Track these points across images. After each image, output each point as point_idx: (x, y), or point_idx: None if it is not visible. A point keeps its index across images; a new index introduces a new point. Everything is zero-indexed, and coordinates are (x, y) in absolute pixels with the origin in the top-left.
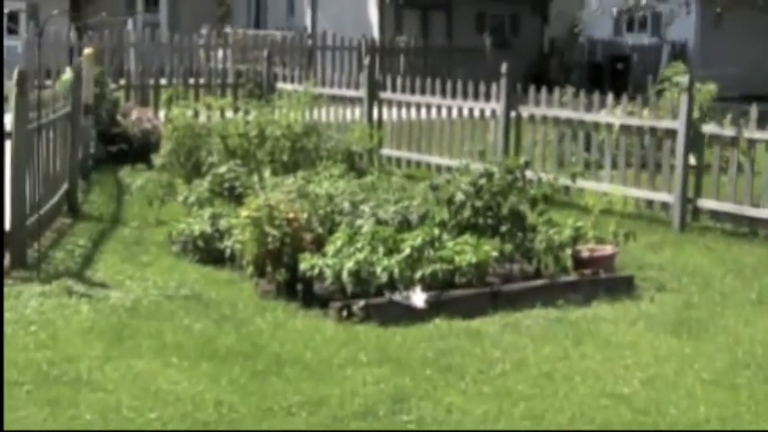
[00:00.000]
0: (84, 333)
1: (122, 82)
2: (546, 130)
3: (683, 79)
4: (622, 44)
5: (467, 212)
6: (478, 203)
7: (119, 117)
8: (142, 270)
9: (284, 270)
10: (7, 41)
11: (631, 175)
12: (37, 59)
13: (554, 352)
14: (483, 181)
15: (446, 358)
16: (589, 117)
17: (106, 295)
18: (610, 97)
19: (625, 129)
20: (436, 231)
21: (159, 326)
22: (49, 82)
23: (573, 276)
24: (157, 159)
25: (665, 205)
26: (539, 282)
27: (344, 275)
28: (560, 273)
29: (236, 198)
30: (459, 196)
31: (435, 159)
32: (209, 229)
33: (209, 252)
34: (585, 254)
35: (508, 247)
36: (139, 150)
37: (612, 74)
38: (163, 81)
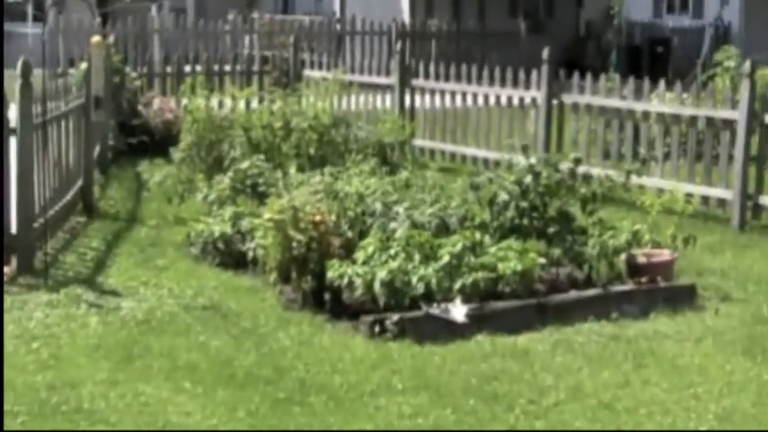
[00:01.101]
0: (91, 351)
1: (144, 70)
2: (591, 119)
3: (734, 64)
4: (662, 26)
5: (510, 213)
6: (524, 204)
7: (140, 107)
8: (158, 275)
9: (310, 278)
10: (34, 30)
11: (684, 168)
12: (59, 48)
13: (613, 377)
14: (529, 179)
15: (492, 385)
16: (639, 106)
17: (117, 305)
18: (662, 84)
19: (676, 118)
20: (477, 236)
21: (172, 342)
22: (72, 71)
23: (628, 285)
24: (176, 153)
25: (722, 202)
26: (591, 292)
27: (377, 286)
28: (614, 281)
29: (260, 196)
30: (503, 196)
31: (471, 151)
32: (229, 230)
33: (230, 254)
34: (641, 260)
35: (556, 251)
36: (161, 142)
37: (651, 58)
38: (187, 69)
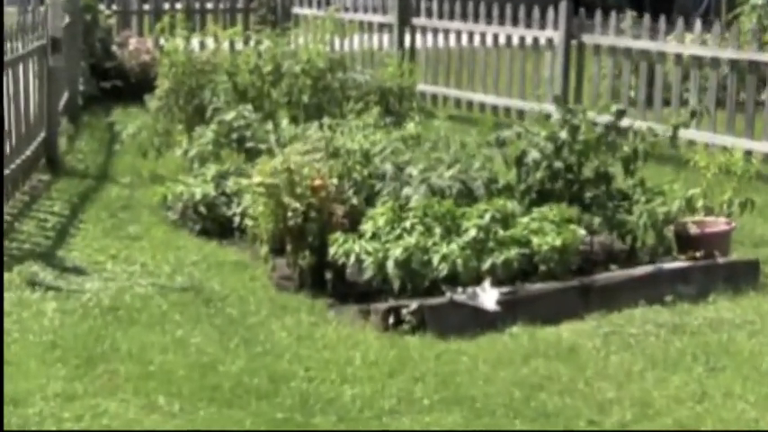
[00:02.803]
0: (45, 351)
1: (119, 6)
2: (615, 63)
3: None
4: None
5: (539, 175)
6: (558, 164)
7: (114, 48)
8: (129, 247)
9: (308, 253)
10: None
11: (722, 119)
12: None
13: (685, 385)
14: (565, 135)
15: (539, 398)
16: (671, 48)
17: (80, 287)
18: (698, 25)
19: (716, 62)
20: (509, 205)
21: (144, 338)
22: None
23: (682, 261)
24: (152, 102)
25: (767, 157)
26: (641, 270)
27: (390, 267)
28: (662, 255)
29: (247, 152)
30: (533, 155)
31: (478, 97)
32: (213, 192)
33: (214, 220)
34: (694, 230)
35: (595, 220)
36: (137, 87)
37: None
38: (165, 5)
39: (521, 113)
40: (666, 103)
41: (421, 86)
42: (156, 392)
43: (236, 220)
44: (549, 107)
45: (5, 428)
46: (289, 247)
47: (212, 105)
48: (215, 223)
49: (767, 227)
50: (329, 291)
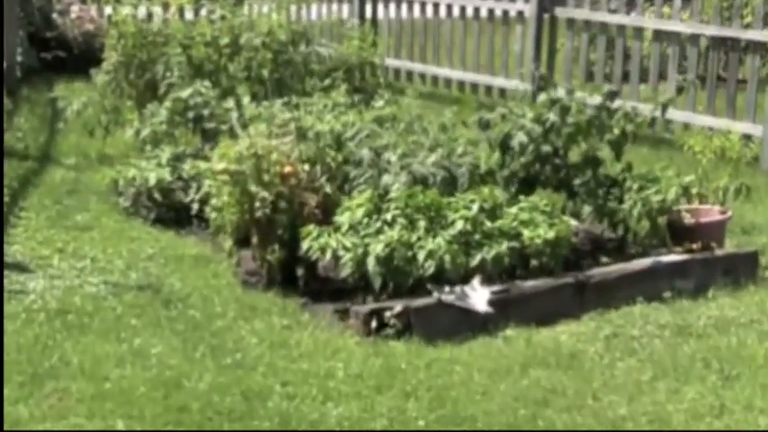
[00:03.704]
0: None
1: None
2: (590, 38)
3: None
4: None
5: (524, 159)
6: (546, 148)
7: (54, 16)
8: (78, 238)
9: (278, 247)
10: None
11: (702, 99)
12: None
13: (701, 397)
14: (553, 116)
15: (545, 415)
16: (649, 23)
17: (23, 286)
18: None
19: (695, 39)
20: (498, 193)
21: (98, 349)
22: None
23: (678, 254)
24: (99, 76)
25: (748, 138)
26: (637, 265)
27: (371, 264)
28: (656, 246)
29: (205, 133)
30: (520, 138)
31: (444, 72)
32: (168, 177)
33: (170, 207)
34: (689, 220)
35: (586, 208)
36: (81, 58)
37: None
38: None
39: (488, 89)
40: (642, 80)
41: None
42: (114, 415)
43: (195, 207)
44: (519, 84)
45: (5, 428)
46: (256, 240)
47: (166, 81)
48: (171, 210)
49: (756, 212)
50: (301, 288)
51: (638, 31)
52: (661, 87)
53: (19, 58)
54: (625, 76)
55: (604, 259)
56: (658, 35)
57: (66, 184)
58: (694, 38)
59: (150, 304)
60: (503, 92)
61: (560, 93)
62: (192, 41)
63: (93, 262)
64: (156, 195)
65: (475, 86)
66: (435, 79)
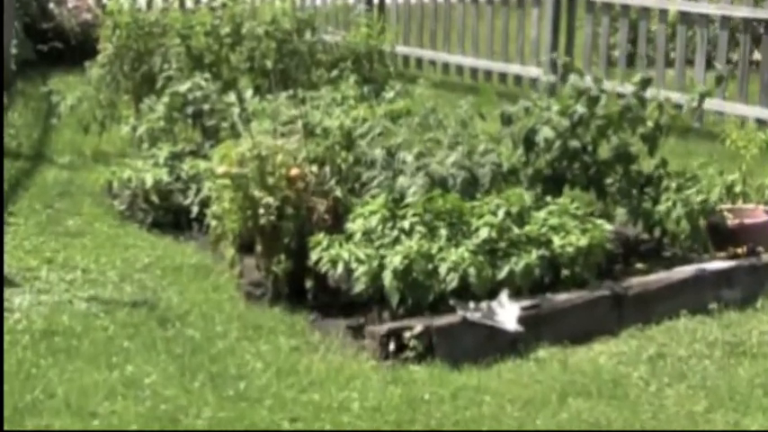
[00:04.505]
0: None
1: None
2: (610, 22)
3: None
4: None
5: (549, 156)
6: (575, 144)
7: (51, 6)
8: (68, 246)
9: (284, 257)
10: None
11: (734, 85)
12: None
13: None
14: (582, 109)
15: None
16: (675, 5)
17: (8, 302)
18: None
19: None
20: (526, 197)
21: (87, 377)
22: None
23: (723, 260)
24: (93, 69)
25: None
26: (680, 273)
27: (387, 279)
28: (697, 251)
29: (206, 130)
30: (546, 132)
31: (456, 59)
32: (166, 178)
33: (168, 210)
34: (732, 221)
35: (619, 210)
36: (79, 49)
37: None
38: None
39: (503, 77)
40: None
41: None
42: None
43: (195, 209)
44: (536, 71)
45: (5, 428)
46: (260, 249)
47: (163, 74)
48: (169, 213)
49: None
50: (310, 301)
51: (663, 14)
52: (689, 74)
53: (14, 51)
54: (649, 62)
55: (639, 265)
56: (685, 17)
57: (58, 185)
58: (725, 20)
59: (145, 323)
60: (518, 79)
61: (587, 82)
62: (192, 31)
63: (83, 273)
64: (154, 198)
65: (488, 74)
66: (446, 67)
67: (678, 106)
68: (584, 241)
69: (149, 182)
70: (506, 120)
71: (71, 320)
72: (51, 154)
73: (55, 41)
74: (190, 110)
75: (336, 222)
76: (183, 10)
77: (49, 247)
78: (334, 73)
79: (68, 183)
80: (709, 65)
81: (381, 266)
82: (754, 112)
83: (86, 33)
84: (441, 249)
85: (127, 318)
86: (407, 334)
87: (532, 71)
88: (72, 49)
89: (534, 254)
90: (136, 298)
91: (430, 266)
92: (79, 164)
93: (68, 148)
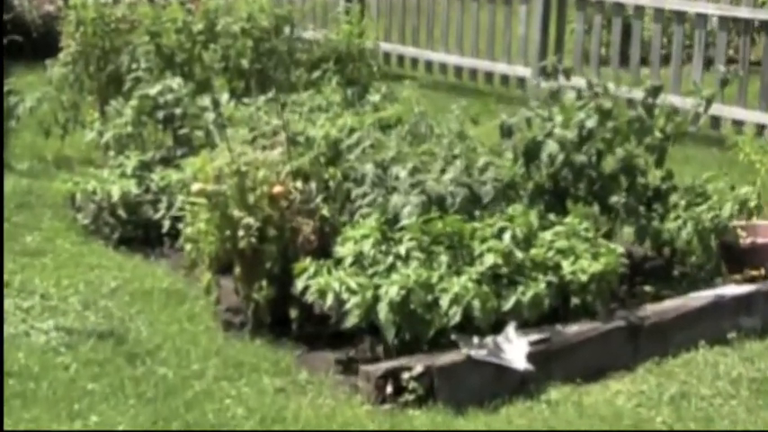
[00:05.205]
0: None
1: None
2: (603, 20)
3: None
4: None
5: (552, 169)
6: (581, 158)
7: None
8: (27, 267)
9: (266, 283)
10: None
11: (732, 87)
12: None
13: None
14: (592, 123)
15: None
16: (672, 4)
17: None
18: None
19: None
20: (533, 218)
21: (45, 428)
22: None
23: (739, 284)
24: (55, 68)
25: None
26: (696, 301)
27: (383, 312)
28: (710, 273)
29: (177, 137)
30: (551, 147)
31: (440, 56)
32: (134, 189)
33: (137, 225)
34: (746, 240)
35: (626, 229)
36: (41, 42)
37: None
38: None
39: (489, 76)
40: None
41: (371, 44)
42: None
43: (166, 224)
44: (523, 71)
45: (5, 428)
46: (239, 274)
47: (132, 74)
48: (138, 228)
49: None
50: (294, 332)
51: (659, 13)
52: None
53: None
54: (643, 63)
55: (647, 288)
56: (681, 17)
57: (16, 195)
58: (724, 21)
59: (111, 360)
60: (505, 79)
61: (595, 88)
62: (162, 28)
63: (43, 299)
64: (121, 212)
65: (473, 73)
66: (429, 65)
67: (676, 110)
68: (596, 267)
69: (116, 194)
70: (506, 131)
71: (28, 359)
72: (9, 159)
73: (15, 34)
74: (160, 114)
75: (323, 244)
76: (152, 4)
77: (5, 268)
78: (316, 74)
79: (27, 192)
80: (707, 66)
81: (376, 298)
82: (754, 116)
83: (49, 26)
84: (441, 278)
85: (91, 354)
86: (406, 375)
87: (519, 70)
88: (34, 43)
89: (542, 281)
90: (101, 329)
91: (430, 298)
92: (40, 170)
93: (28, 153)
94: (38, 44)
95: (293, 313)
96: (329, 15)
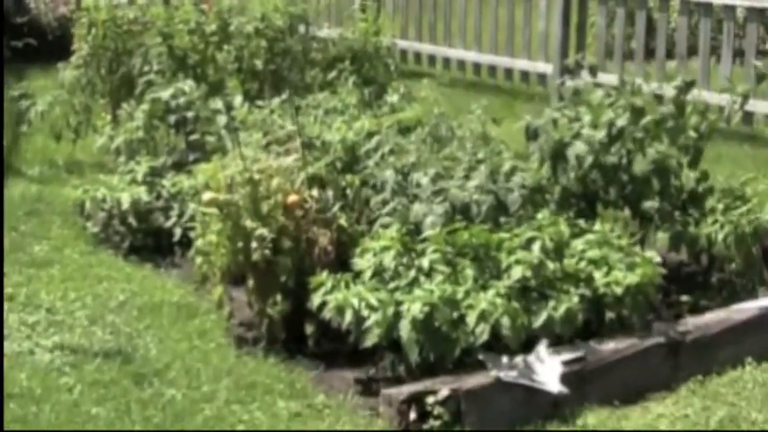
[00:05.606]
0: None
1: None
2: (625, 14)
3: None
4: None
5: (581, 172)
6: (612, 160)
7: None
8: (34, 279)
9: (281, 298)
10: None
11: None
12: None
13: None
14: (622, 122)
15: None
16: None
17: None
18: None
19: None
20: (563, 227)
21: None
22: None
23: None
24: (67, 72)
25: None
26: (741, 313)
27: (405, 330)
28: (752, 281)
29: (190, 143)
30: (578, 148)
31: (458, 53)
32: (145, 197)
33: (148, 233)
34: None
35: (661, 236)
36: (56, 45)
37: None
38: None
39: (509, 73)
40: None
41: (387, 41)
42: None
43: (177, 232)
44: (544, 67)
45: (5, 428)
46: (253, 287)
47: (144, 77)
48: (149, 236)
49: None
50: (311, 348)
51: (684, 5)
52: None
53: None
54: (668, 56)
55: (684, 297)
56: (708, 9)
57: (26, 202)
58: (752, 12)
59: (117, 381)
60: (525, 75)
61: (625, 87)
62: (174, 29)
63: (48, 314)
64: (131, 220)
65: (493, 69)
66: (447, 62)
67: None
68: (631, 279)
69: (126, 202)
70: (532, 134)
71: (30, 380)
72: (20, 165)
73: (30, 37)
74: (172, 118)
75: (340, 255)
76: (166, 6)
77: (10, 280)
78: (331, 74)
79: (37, 199)
80: (734, 58)
81: (397, 315)
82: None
83: (64, 28)
84: (467, 293)
85: (96, 374)
86: (431, 399)
87: (540, 66)
88: (49, 45)
89: (574, 294)
90: (108, 346)
91: (455, 315)
92: (50, 176)
93: (39, 158)
94: (53, 46)
95: (309, 329)
96: (344, 13)
